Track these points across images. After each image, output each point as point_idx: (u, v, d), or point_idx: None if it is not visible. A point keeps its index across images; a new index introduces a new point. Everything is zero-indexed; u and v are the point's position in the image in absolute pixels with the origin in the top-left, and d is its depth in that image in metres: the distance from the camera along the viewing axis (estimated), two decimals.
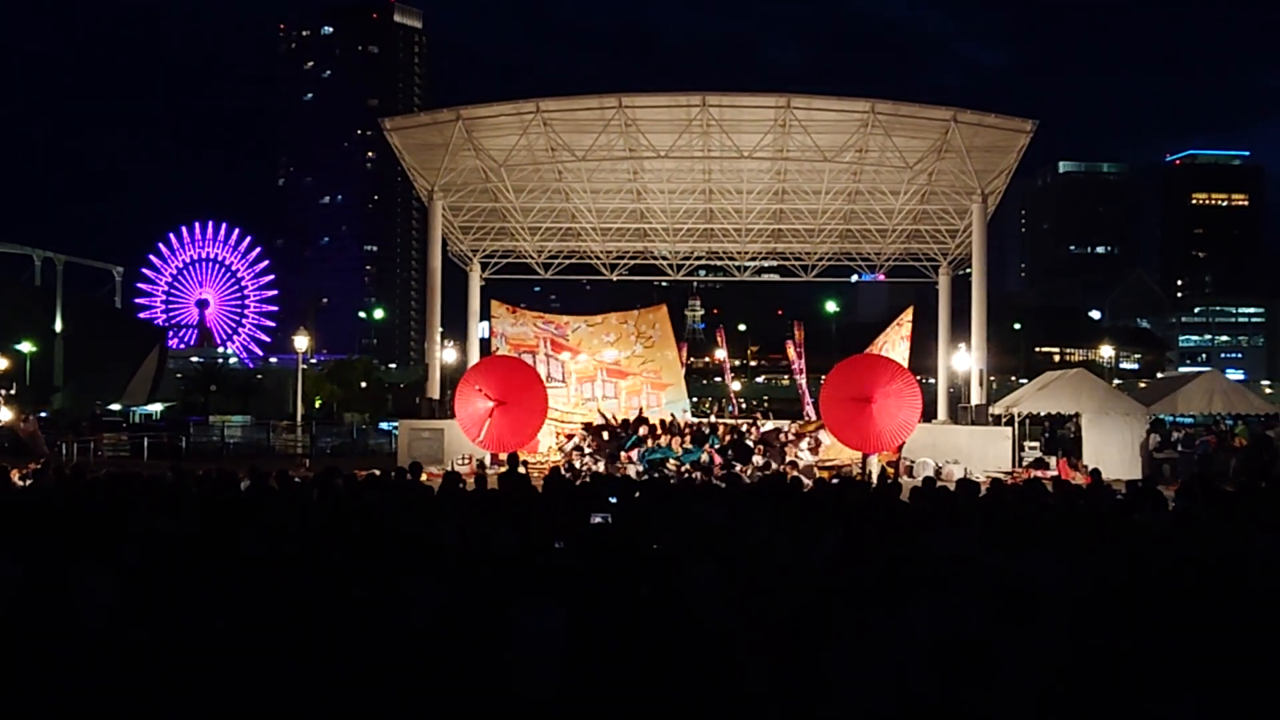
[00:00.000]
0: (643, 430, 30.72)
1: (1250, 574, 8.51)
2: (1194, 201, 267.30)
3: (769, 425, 33.23)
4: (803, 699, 5.80)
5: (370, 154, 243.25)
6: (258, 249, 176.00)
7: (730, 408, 37.27)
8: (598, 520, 12.03)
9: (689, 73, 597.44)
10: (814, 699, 5.76)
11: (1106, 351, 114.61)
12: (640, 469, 28.28)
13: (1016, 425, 36.49)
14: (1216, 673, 6.12)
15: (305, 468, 30.70)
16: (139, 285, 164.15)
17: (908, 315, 36.64)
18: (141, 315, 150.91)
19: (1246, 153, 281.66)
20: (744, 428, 32.16)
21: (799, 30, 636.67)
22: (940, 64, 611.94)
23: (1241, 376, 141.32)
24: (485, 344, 47.65)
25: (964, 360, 42.69)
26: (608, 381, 35.43)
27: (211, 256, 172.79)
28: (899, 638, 6.49)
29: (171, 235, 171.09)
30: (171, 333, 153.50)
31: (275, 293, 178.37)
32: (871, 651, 6.31)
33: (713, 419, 34.62)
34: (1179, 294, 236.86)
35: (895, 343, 35.77)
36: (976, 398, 37.84)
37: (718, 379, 37.51)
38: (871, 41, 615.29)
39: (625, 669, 6.26)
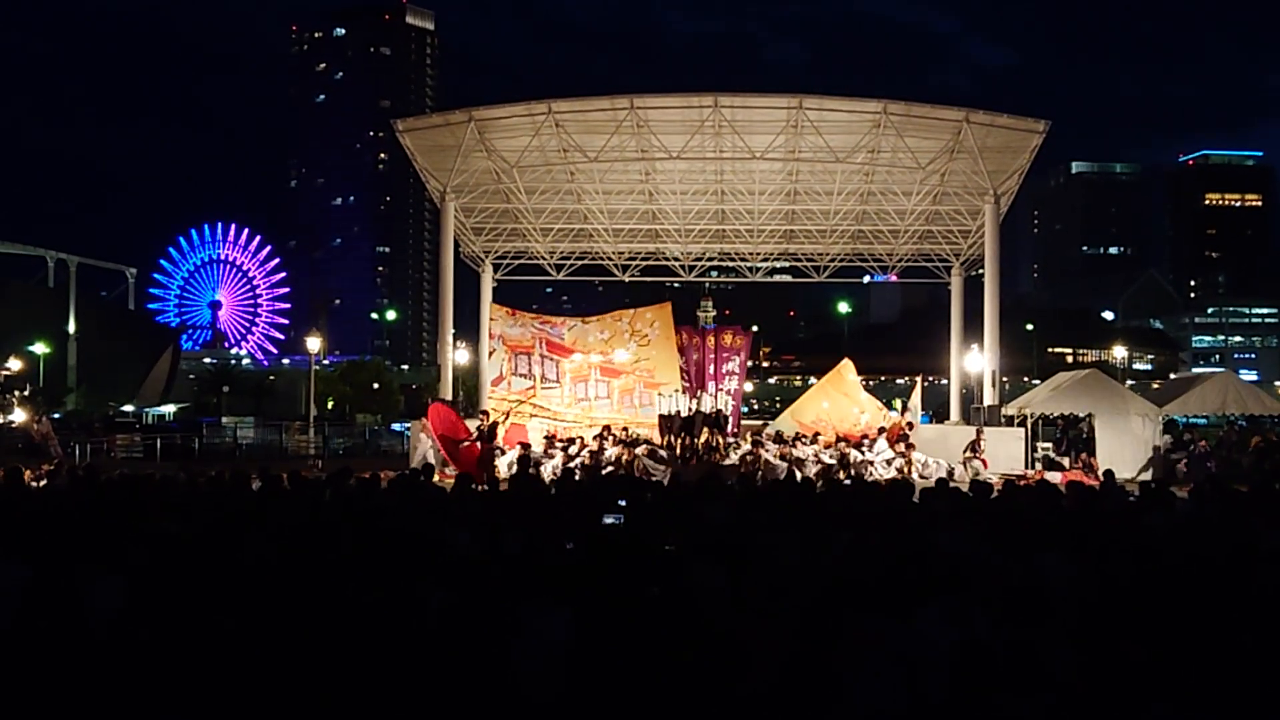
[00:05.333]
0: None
1: (1261, 574, 8.47)
2: (1207, 202, 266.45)
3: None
4: (812, 701, 5.79)
5: (382, 155, 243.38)
6: (268, 248, 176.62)
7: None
8: (610, 521, 12.02)
9: (697, 73, 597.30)
10: (823, 701, 5.75)
11: (1119, 352, 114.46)
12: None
13: (1029, 426, 36.43)
14: (1227, 673, 6.10)
15: (318, 469, 30.82)
16: (151, 290, 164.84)
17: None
18: (156, 318, 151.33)
19: (1260, 153, 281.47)
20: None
21: (805, 30, 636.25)
22: (949, 64, 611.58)
23: (1255, 377, 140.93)
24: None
25: (976, 361, 42.62)
26: (600, 381, 35.39)
27: (224, 258, 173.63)
28: (909, 640, 6.48)
29: (181, 238, 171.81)
30: (184, 334, 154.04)
31: (287, 290, 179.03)
32: (881, 654, 6.30)
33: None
34: (1192, 294, 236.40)
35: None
36: (989, 398, 37.78)
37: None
38: (879, 41, 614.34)
39: (633, 670, 6.25)
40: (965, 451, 32.51)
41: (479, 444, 30.75)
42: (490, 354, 34.94)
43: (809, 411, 37.06)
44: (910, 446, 32.37)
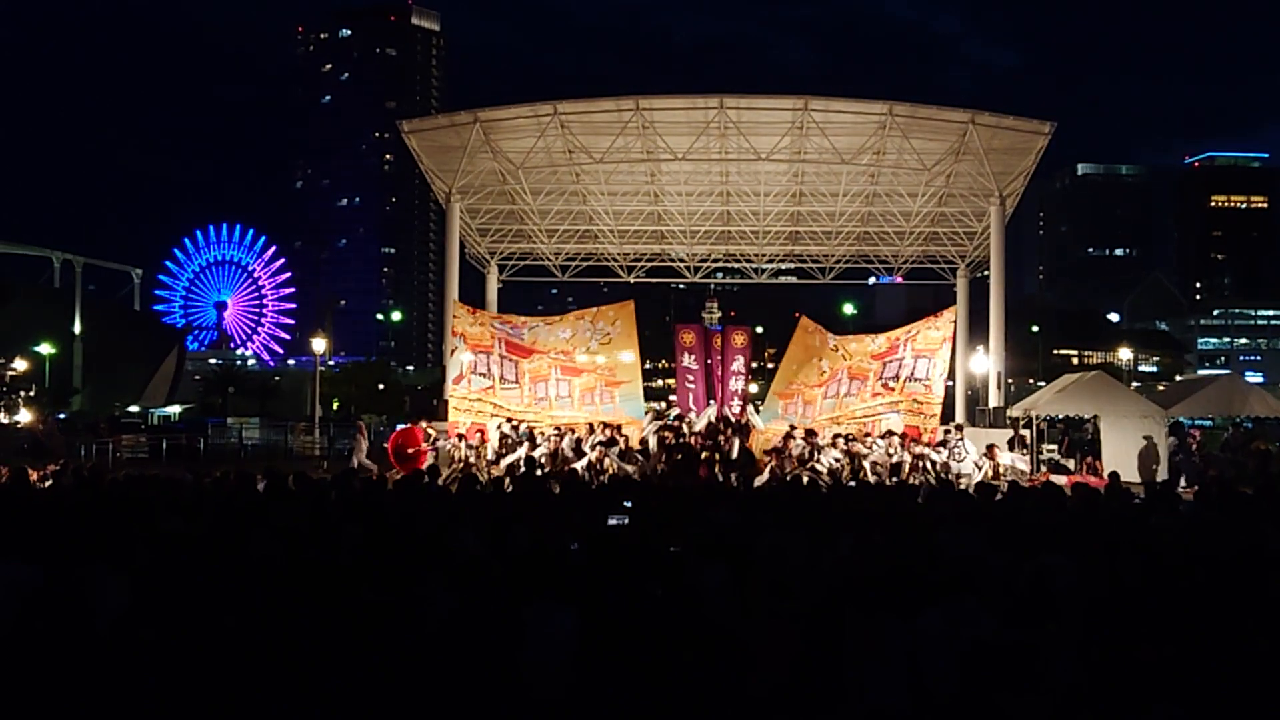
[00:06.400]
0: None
1: (1266, 575, 8.47)
2: (1213, 204, 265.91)
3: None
4: (817, 701, 5.79)
5: (388, 156, 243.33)
6: (273, 248, 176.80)
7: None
8: (614, 522, 12.03)
9: (703, 75, 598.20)
10: (828, 701, 5.75)
11: (1125, 354, 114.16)
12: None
13: (1034, 429, 36.36)
14: (1231, 674, 6.10)
15: (323, 469, 31.02)
16: (156, 292, 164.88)
17: (948, 315, 35.82)
18: (162, 319, 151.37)
19: (1265, 155, 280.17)
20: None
21: (810, 32, 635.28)
22: (953, 66, 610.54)
23: (1260, 379, 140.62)
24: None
25: (982, 363, 42.62)
26: (561, 380, 35.17)
27: (229, 259, 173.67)
28: (913, 640, 6.48)
29: (187, 239, 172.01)
30: (190, 335, 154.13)
31: (292, 290, 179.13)
32: (885, 654, 6.30)
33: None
34: (1198, 296, 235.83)
35: (923, 338, 35.21)
36: (994, 400, 37.76)
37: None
38: (883, 44, 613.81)
39: (638, 670, 6.26)
40: (1016, 450, 32.23)
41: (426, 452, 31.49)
42: (452, 352, 34.94)
43: (781, 382, 36.80)
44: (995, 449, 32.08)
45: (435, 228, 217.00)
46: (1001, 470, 29.44)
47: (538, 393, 34.84)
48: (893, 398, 34.13)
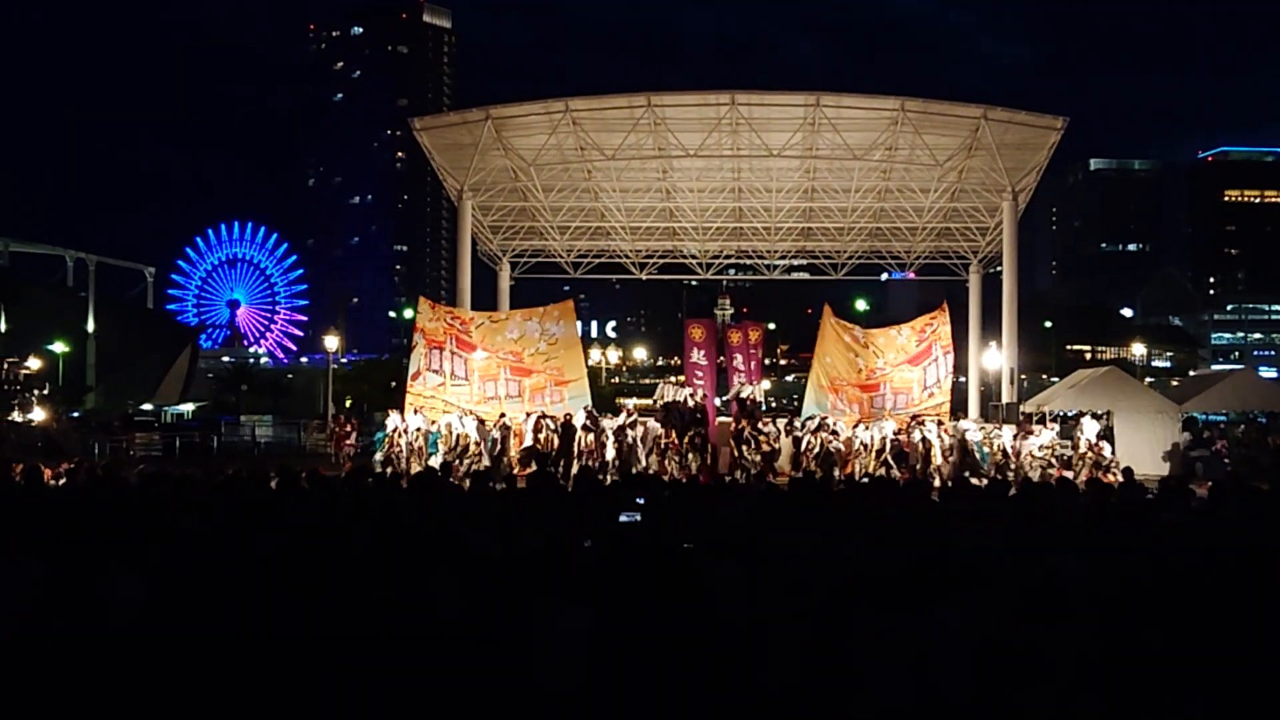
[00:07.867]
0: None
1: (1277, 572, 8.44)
2: (1226, 198, 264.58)
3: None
4: (827, 698, 5.78)
5: (400, 154, 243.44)
6: (285, 246, 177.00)
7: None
8: (626, 520, 12.02)
9: (714, 72, 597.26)
10: (839, 698, 5.74)
11: (1138, 349, 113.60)
12: None
13: (1046, 425, 36.30)
14: (1245, 671, 6.09)
15: (336, 464, 31.26)
16: (169, 290, 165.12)
17: (940, 319, 35.65)
18: (175, 317, 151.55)
19: (1278, 149, 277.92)
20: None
21: (821, 29, 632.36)
22: (965, 61, 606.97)
23: (1275, 374, 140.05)
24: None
25: (995, 358, 42.57)
26: (511, 380, 35.36)
27: (242, 257, 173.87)
28: (925, 637, 6.47)
29: (199, 238, 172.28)
30: (203, 333, 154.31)
31: (304, 287, 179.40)
32: (897, 651, 6.29)
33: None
34: (1211, 291, 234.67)
35: (944, 334, 35.15)
36: (1008, 396, 37.73)
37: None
38: (895, 39, 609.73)
39: (650, 669, 6.25)
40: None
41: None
42: (413, 348, 35.19)
43: (821, 375, 36.49)
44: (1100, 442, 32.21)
45: (447, 225, 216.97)
46: (1105, 459, 29.54)
47: (487, 391, 35.05)
48: (934, 402, 34.42)
